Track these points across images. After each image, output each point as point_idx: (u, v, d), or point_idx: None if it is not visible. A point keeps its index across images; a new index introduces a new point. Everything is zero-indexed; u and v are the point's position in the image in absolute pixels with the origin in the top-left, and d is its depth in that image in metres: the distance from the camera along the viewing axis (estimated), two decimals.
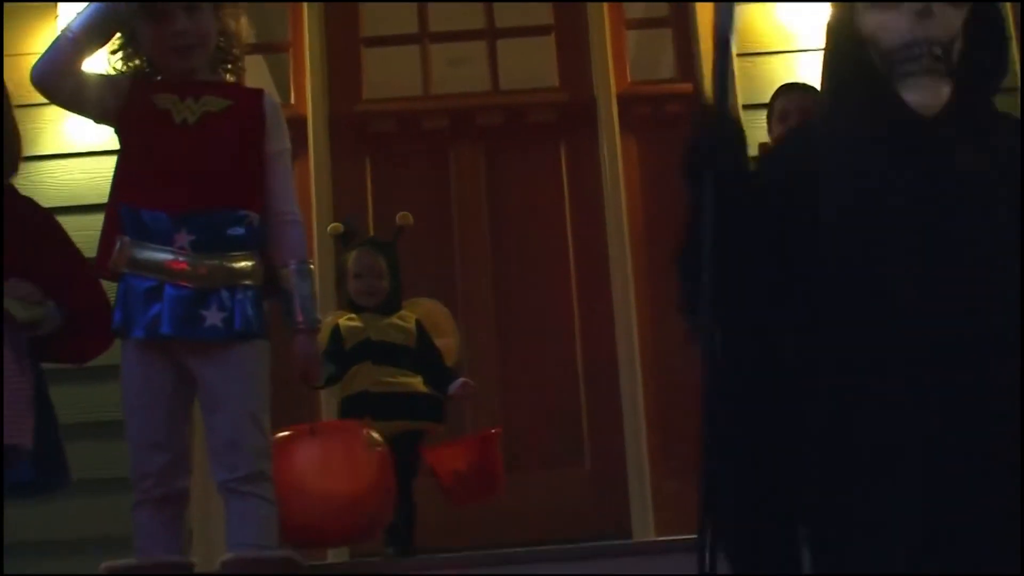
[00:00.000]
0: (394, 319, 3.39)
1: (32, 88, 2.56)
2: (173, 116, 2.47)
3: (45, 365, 2.58)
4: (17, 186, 2.63)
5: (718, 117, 1.84)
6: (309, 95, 4.32)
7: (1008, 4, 2.94)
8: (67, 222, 2.70)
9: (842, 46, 1.87)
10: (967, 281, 1.71)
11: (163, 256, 2.42)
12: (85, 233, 2.78)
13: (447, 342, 3.49)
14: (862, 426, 1.72)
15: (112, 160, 2.59)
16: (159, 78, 2.56)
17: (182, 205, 2.42)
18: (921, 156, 1.77)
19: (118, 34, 2.53)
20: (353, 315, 3.39)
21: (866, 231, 1.76)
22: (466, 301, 4.30)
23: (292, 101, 4.29)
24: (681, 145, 1.85)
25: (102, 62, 2.58)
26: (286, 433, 2.85)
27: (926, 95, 1.78)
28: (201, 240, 2.42)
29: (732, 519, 1.78)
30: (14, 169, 2.62)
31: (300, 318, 2.52)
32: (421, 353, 3.38)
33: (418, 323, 3.41)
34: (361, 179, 4.39)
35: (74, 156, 3.92)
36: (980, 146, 1.79)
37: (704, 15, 4.27)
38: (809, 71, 4.01)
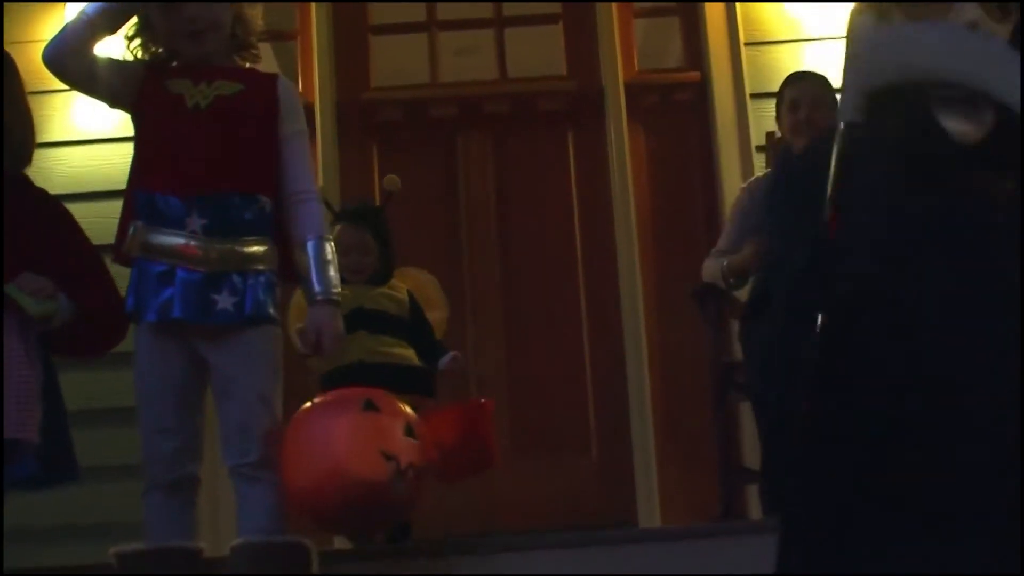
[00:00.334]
0: (386, 289, 3.29)
1: (38, 76, 2.56)
2: (186, 101, 2.47)
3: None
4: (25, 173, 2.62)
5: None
6: (316, 83, 4.33)
7: None
8: (74, 209, 2.70)
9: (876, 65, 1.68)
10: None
11: (175, 240, 2.41)
12: (92, 220, 2.79)
13: (436, 315, 3.41)
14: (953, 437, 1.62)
15: (119, 147, 2.60)
16: (175, 64, 2.56)
17: (194, 189, 2.42)
18: (959, 190, 1.57)
19: (134, 19, 2.53)
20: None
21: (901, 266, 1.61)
22: (473, 289, 4.30)
23: (300, 89, 4.27)
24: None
25: (119, 48, 2.58)
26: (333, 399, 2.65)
27: (967, 123, 1.60)
28: (213, 224, 2.42)
29: (814, 520, 1.69)
30: (28, 161, 2.61)
31: (317, 288, 2.51)
32: (414, 325, 3.29)
33: (410, 294, 3.32)
34: (368, 168, 4.38)
35: (81, 143, 3.92)
36: None
37: (711, 4, 4.28)
38: (817, 60, 4.02)
